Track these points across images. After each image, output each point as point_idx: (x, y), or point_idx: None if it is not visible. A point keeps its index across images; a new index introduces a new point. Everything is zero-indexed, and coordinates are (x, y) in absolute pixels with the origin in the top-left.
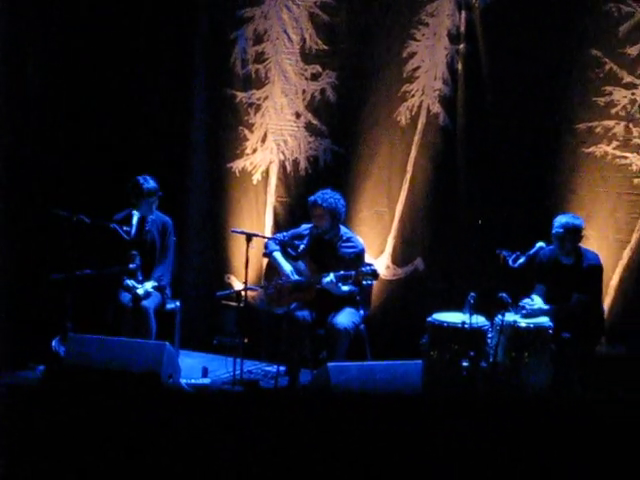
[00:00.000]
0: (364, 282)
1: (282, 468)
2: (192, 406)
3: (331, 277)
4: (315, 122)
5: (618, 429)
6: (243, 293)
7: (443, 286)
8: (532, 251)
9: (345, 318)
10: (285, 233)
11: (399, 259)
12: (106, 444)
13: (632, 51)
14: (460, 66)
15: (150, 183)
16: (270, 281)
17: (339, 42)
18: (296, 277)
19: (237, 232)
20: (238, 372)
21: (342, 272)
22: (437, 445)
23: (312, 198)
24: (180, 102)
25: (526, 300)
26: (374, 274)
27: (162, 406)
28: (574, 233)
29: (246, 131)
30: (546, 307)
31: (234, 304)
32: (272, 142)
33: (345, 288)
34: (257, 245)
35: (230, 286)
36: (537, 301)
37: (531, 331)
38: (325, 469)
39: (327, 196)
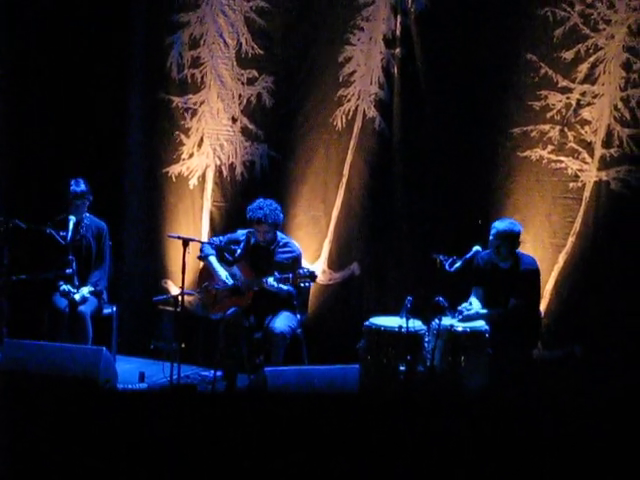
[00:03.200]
0: (302, 284)
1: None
2: (128, 408)
3: (271, 280)
4: (251, 127)
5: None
6: (180, 298)
7: (380, 290)
8: (468, 255)
9: (282, 322)
10: (221, 238)
11: (335, 264)
12: (42, 448)
13: (567, 55)
14: (396, 70)
15: (80, 186)
16: (205, 286)
17: (275, 47)
18: (232, 281)
19: (174, 237)
20: (175, 377)
21: (283, 274)
22: (375, 446)
23: (255, 215)
24: (116, 107)
25: (464, 304)
26: (312, 276)
27: (99, 410)
28: (511, 240)
29: (182, 136)
30: (483, 311)
31: (171, 309)
32: (208, 147)
33: (285, 287)
34: (194, 250)
35: (167, 291)
36: (475, 305)
37: (468, 335)
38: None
39: (268, 211)
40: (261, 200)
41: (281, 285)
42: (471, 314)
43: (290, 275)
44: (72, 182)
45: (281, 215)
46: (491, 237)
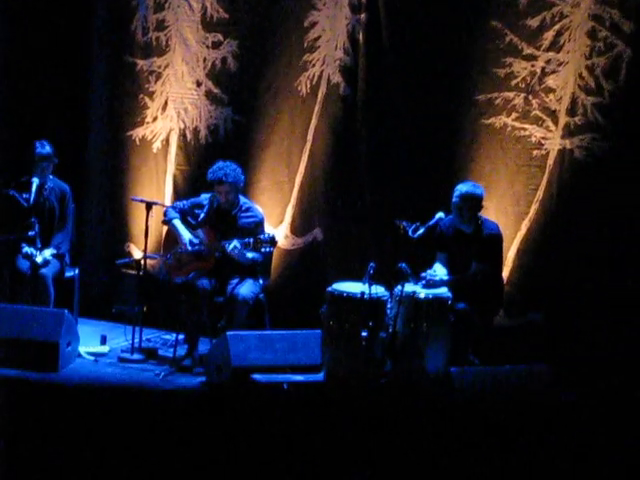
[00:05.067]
0: (263, 249)
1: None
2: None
3: (235, 243)
4: (216, 91)
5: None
6: (142, 261)
7: (342, 256)
8: (432, 222)
9: (246, 289)
10: (185, 202)
11: (298, 229)
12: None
13: (532, 23)
14: (361, 36)
15: (46, 148)
16: (169, 250)
17: (240, 11)
18: (195, 246)
19: (137, 200)
20: (137, 340)
21: (245, 240)
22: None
23: (213, 176)
24: (80, 69)
25: (428, 271)
26: (272, 241)
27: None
28: (474, 202)
29: (147, 99)
30: (446, 278)
31: (133, 272)
32: (172, 110)
33: (249, 255)
34: (157, 214)
35: (129, 254)
36: (440, 271)
37: (430, 302)
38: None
39: (229, 170)
40: (221, 162)
41: (246, 253)
42: (435, 280)
43: (251, 240)
44: (37, 144)
45: (242, 176)
46: (454, 199)
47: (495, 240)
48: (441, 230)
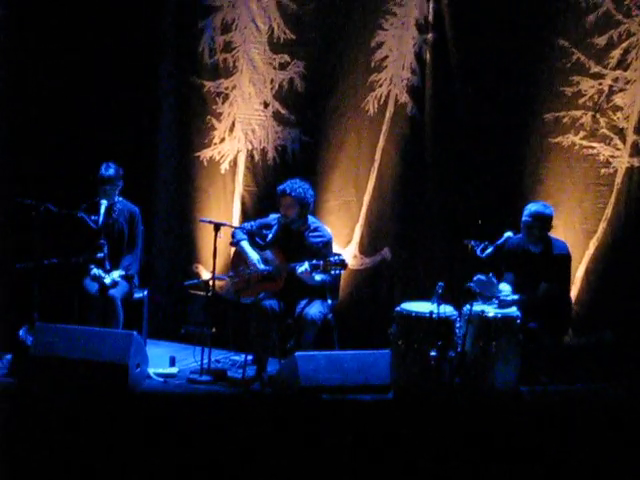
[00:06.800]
0: (332, 271)
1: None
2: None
3: (306, 266)
4: (283, 111)
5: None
6: (211, 282)
7: (411, 276)
8: (500, 241)
9: (313, 309)
10: (253, 222)
11: (367, 249)
12: (73, 434)
13: (599, 41)
14: (428, 56)
15: (110, 170)
16: (237, 270)
17: (307, 31)
18: (264, 266)
19: (205, 221)
20: (206, 361)
21: (314, 261)
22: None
23: (281, 187)
24: (148, 91)
25: (501, 291)
26: (342, 263)
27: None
28: (543, 222)
29: (214, 120)
30: (516, 297)
31: (202, 293)
32: (240, 131)
33: (318, 278)
34: (225, 234)
35: (198, 275)
36: (506, 290)
37: (499, 321)
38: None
39: (296, 185)
40: (291, 179)
41: (314, 274)
42: (507, 300)
43: (321, 263)
44: (102, 166)
45: (309, 193)
46: (524, 218)
47: (564, 260)
48: (509, 249)
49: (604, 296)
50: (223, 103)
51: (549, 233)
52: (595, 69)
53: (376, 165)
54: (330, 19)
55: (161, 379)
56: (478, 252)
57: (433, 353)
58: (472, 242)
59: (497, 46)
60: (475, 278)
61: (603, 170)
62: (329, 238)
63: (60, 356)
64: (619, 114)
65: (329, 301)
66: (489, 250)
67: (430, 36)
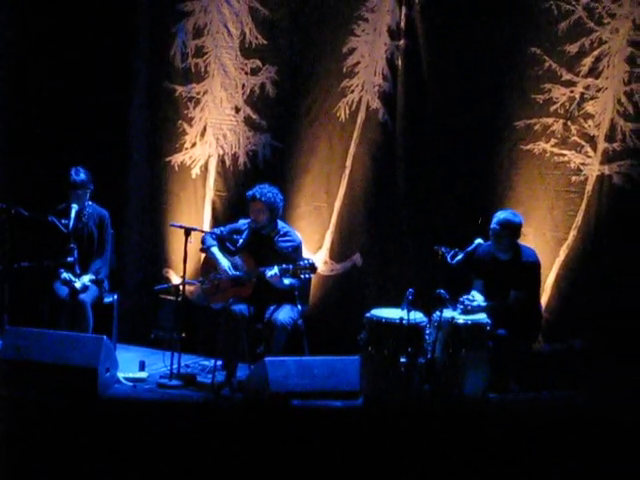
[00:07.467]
0: (302, 275)
1: None
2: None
3: (275, 270)
4: (254, 117)
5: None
6: (181, 287)
7: (381, 282)
8: (470, 248)
9: (283, 314)
10: (223, 228)
11: (337, 254)
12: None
13: (571, 49)
14: (400, 62)
15: (80, 175)
16: (207, 276)
17: (279, 37)
18: (234, 272)
19: (176, 226)
20: (175, 366)
21: (284, 265)
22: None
23: (250, 192)
24: (119, 95)
25: (465, 296)
26: (312, 267)
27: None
28: (512, 229)
29: (185, 125)
30: (484, 304)
31: (172, 298)
32: (211, 136)
33: (287, 281)
34: (196, 239)
35: (168, 280)
36: (477, 298)
37: (469, 328)
38: None
39: (265, 190)
40: (263, 183)
41: (283, 279)
42: (473, 305)
43: (290, 267)
44: (72, 171)
45: (278, 197)
46: (492, 225)
47: (533, 267)
48: (478, 257)
49: (574, 303)
50: (194, 108)
51: (518, 240)
52: (567, 77)
53: (347, 171)
54: (302, 25)
55: (130, 384)
56: (448, 259)
57: (403, 359)
58: (442, 248)
59: (468, 53)
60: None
61: (574, 178)
62: (299, 243)
63: (30, 360)
64: (590, 122)
65: (299, 306)
66: (459, 257)
67: (402, 42)
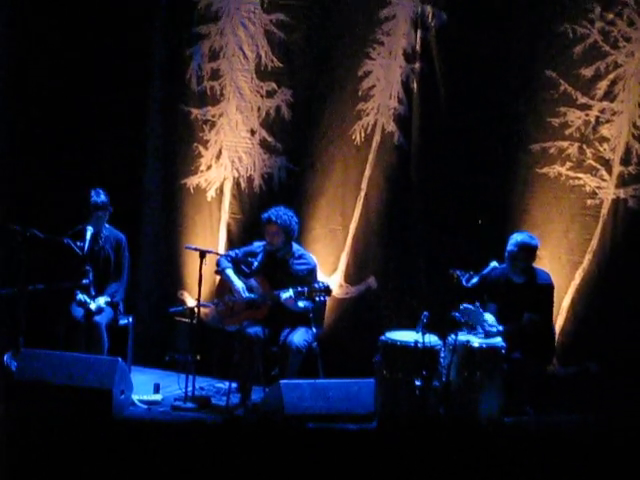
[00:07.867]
0: (317, 298)
1: None
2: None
3: (290, 293)
4: (270, 139)
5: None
6: (196, 310)
7: (396, 305)
8: (485, 271)
9: (298, 337)
10: (238, 250)
11: (352, 277)
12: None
13: (587, 72)
14: (415, 85)
15: (101, 197)
16: (222, 298)
17: (295, 60)
18: (248, 294)
19: (191, 248)
20: (190, 389)
21: (299, 288)
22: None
23: (266, 215)
24: (135, 117)
25: (484, 321)
26: (327, 290)
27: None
28: (528, 252)
29: (201, 148)
30: (501, 327)
31: (187, 320)
32: (227, 159)
33: (302, 304)
34: (211, 262)
35: (183, 302)
36: (490, 320)
37: (484, 351)
38: None
39: (281, 213)
40: (275, 206)
41: (298, 302)
42: (492, 331)
43: (305, 289)
44: (92, 193)
45: (294, 220)
46: (509, 247)
47: (547, 290)
48: (492, 280)
49: (589, 327)
50: (210, 130)
51: (533, 264)
52: (582, 100)
53: (362, 194)
54: (317, 48)
55: (145, 406)
56: (463, 282)
57: (418, 382)
58: (457, 272)
59: (484, 76)
60: (462, 307)
61: (589, 201)
62: (313, 265)
63: (45, 381)
64: (605, 145)
65: (314, 329)
66: (474, 280)
67: (417, 65)
